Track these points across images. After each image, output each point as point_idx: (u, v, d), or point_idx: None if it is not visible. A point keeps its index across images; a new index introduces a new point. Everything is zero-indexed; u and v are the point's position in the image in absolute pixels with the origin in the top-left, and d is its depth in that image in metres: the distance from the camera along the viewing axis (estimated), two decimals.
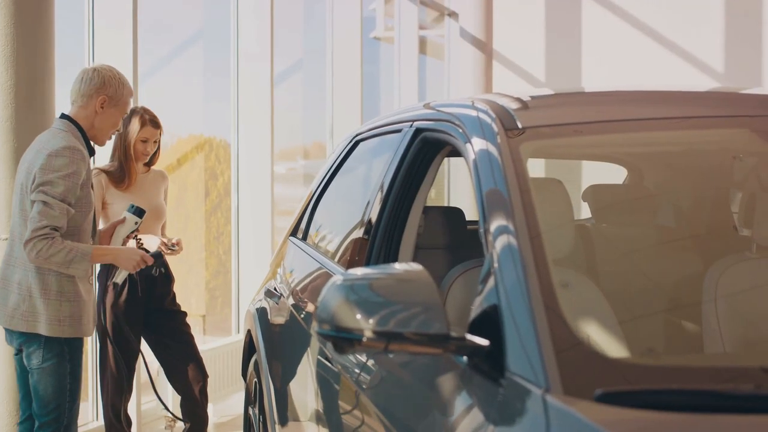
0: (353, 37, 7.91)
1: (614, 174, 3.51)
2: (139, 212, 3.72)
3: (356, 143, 3.38)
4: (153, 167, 4.45)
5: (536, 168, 2.79)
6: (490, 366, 1.71)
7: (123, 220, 3.75)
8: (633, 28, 9.41)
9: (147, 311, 4.35)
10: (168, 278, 4.44)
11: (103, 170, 4.25)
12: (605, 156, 3.46)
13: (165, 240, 4.27)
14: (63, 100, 3.97)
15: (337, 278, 1.80)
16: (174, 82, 6.87)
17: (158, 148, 4.37)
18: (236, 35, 6.51)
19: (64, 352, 3.49)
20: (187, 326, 4.51)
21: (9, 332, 3.58)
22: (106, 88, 3.52)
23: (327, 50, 7.91)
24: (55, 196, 3.33)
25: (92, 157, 3.63)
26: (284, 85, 7.82)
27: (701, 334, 2.30)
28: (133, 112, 4.25)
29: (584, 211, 3.21)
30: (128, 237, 3.78)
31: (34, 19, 3.70)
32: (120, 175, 4.26)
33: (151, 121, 4.28)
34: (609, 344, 2.06)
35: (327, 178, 3.55)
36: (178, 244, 4.30)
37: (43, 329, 3.43)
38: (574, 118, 2.42)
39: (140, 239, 4.08)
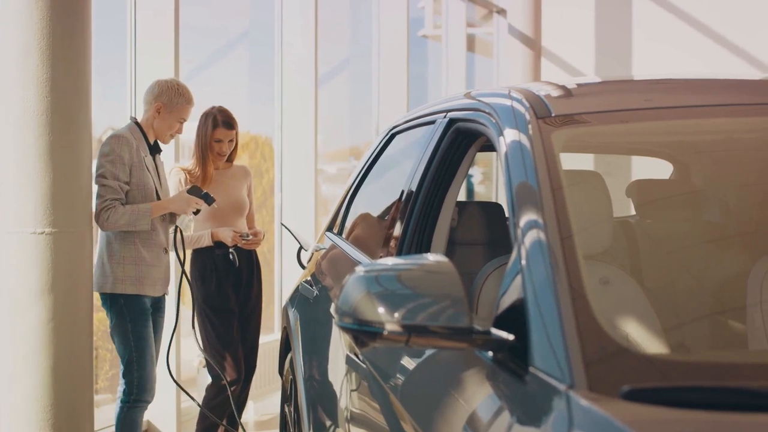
0: (400, 35, 7.85)
1: (665, 168, 3.38)
2: (191, 191, 4.16)
3: (392, 136, 3.32)
4: (235, 163, 4.64)
5: (582, 161, 2.70)
6: (514, 361, 1.64)
7: None
8: (685, 24, 9.22)
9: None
10: (252, 270, 4.59)
11: (183, 169, 4.50)
12: (644, 144, 3.34)
13: (239, 231, 4.46)
14: (100, 95, 4.00)
15: (358, 270, 1.74)
16: (220, 80, 6.89)
17: (236, 145, 4.56)
18: (281, 34, 6.50)
19: (124, 312, 3.98)
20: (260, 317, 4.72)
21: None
22: (161, 97, 4.08)
23: (374, 49, 7.86)
24: (107, 175, 3.90)
25: (158, 154, 4.15)
26: (333, 84, 7.79)
27: (746, 332, 2.21)
28: (209, 113, 4.46)
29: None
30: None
31: (70, 13, 3.71)
32: (198, 173, 4.47)
33: (224, 122, 4.48)
34: (644, 341, 1.98)
35: (363, 172, 3.49)
36: (255, 235, 4.52)
37: (108, 288, 3.98)
38: (612, 106, 2.33)
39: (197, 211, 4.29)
